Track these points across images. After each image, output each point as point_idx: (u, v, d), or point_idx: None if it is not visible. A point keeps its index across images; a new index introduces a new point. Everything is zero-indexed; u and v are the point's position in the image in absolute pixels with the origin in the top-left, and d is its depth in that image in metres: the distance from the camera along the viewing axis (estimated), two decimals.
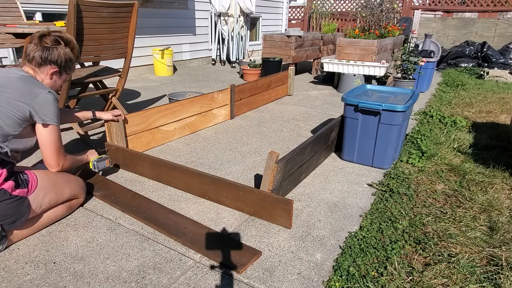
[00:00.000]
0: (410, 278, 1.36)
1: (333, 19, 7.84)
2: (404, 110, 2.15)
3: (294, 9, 11.04)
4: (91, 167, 1.94)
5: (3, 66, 2.75)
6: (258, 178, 2.16)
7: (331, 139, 2.44)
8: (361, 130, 2.33)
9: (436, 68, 6.15)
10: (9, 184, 1.41)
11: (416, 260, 1.47)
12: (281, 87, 4.18)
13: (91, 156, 1.97)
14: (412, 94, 2.51)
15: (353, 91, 2.52)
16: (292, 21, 10.91)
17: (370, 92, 2.62)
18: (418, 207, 1.87)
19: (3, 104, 1.46)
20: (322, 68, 4.82)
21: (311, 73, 6.15)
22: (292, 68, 4.30)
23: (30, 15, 3.95)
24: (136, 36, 2.81)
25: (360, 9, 6.15)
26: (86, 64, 3.10)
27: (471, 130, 3.19)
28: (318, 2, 10.05)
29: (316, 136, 2.13)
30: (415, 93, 2.50)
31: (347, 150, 2.44)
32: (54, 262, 1.39)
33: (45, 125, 1.53)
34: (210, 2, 6.28)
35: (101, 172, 2.07)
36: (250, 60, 5.87)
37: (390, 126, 2.21)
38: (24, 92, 1.49)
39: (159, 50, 5.28)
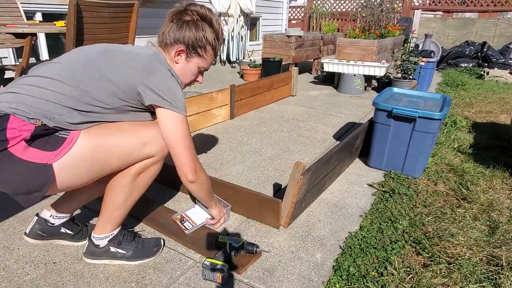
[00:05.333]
0: (410, 278, 1.36)
1: (333, 19, 7.84)
2: (442, 118, 2.04)
3: (294, 9, 11.04)
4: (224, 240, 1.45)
5: (3, 66, 2.75)
6: (257, 178, 2.16)
7: (355, 146, 2.33)
8: (393, 136, 2.21)
9: (436, 68, 6.15)
10: (20, 145, 1.05)
11: (416, 260, 1.47)
12: (284, 87, 4.17)
13: (216, 209, 1.59)
14: (443, 99, 2.36)
15: (382, 95, 2.39)
16: (292, 21, 10.91)
17: (398, 96, 2.50)
18: (418, 207, 1.87)
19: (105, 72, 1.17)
20: (322, 68, 4.82)
21: (311, 73, 6.15)
22: (295, 69, 4.30)
23: (30, 15, 3.95)
24: (136, 36, 2.81)
25: (360, 9, 6.16)
26: None
27: (471, 130, 3.19)
28: (318, 2, 10.05)
29: (342, 145, 2.01)
30: (446, 98, 2.34)
31: (376, 157, 2.32)
32: (54, 262, 1.39)
33: (165, 110, 1.22)
34: (210, 2, 6.28)
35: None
36: (250, 60, 5.87)
37: (425, 134, 2.09)
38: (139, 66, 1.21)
39: None
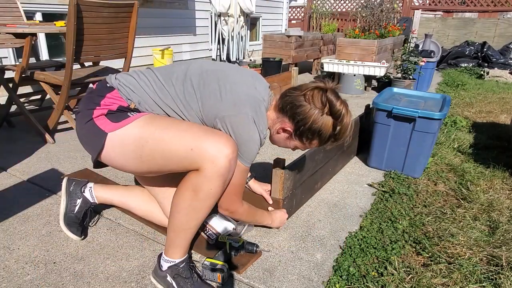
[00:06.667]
0: (410, 278, 1.36)
1: (333, 19, 7.84)
2: (441, 118, 2.04)
3: (294, 9, 11.04)
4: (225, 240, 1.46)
5: (3, 66, 2.75)
6: (257, 178, 2.16)
7: (345, 144, 2.30)
8: (392, 136, 2.22)
9: (436, 68, 6.15)
10: (101, 111, 1.18)
11: (416, 260, 1.47)
12: (284, 87, 4.18)
13: (276, 217, 1.57)
14: (443, 99, 2.36)
15: (382, 95, 2.40)
16: (292, 21, 10.90)
17: (398, 96, 2.50)
18: (418, 207, 1.87)
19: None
20: (322, 68, 4.82)
21: (311, 73, 6.15)
22: (295, 69, 4.30)
23: (30, 15, 3.95)
24: (136, 36, 2.81)
25: (360, 9, 6.16)
26: (86, 64, 3.10)
27: (471, 130, 3.19)
28: (318, 2, 10.05)
29: None
30: (446, 98, 2.35)
31: (376, 157, 2.33)
32: (54, 262, 1.39)
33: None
34: (210, 2, 6.27)
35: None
36: (250, 60, 5.87)
37: (425, 134, 2.10)
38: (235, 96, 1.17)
39: (159, 50, 5.28)
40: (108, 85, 1.24)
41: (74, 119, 2.03)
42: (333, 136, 1.25)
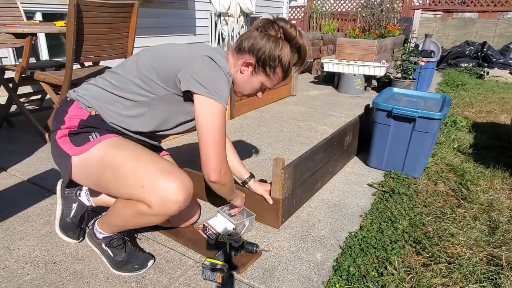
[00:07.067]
0: (410, 278, 1.36)
1: (333, 19, 7.84)
2: (441, 118, 2.04)
3: (294, 9, 11.04)
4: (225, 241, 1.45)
5: (3, 66, 2.75)
6: (257, 178, 2.16)
7: (346, 143, 2.31)
8: (392, 136, 2.21)
9: (436, 68, 6.15)
10: (62, 132, 1.21)
11: (416, 260, 1.47)
12: (284, 87, 4.18)
13: (239, 200, 1.57)
14: (443, 99, 2.36)
15: (382, 95, 2.39)
16: (292, 21, 10.90)
17: (398, 96, 2.50)
18: (418, 207, 1.87)
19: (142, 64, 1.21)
20: (322, 68, 4.82)
21: (311, 73, 6.15)
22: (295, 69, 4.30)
23: (30, 15, 3.95)
24: (136, 36, 2.81)
25: (360, 9, 6.16)
26: (86, 64, 3.10)
27: (471, 130, 3.19)
28: (318, 2, 10.05)
29: (326, 141, 1.98)
30: (446, 98, 2.34)
31: (376, 157, 2.32)
32: (54, 262, 1.39)
33: (201, 97, 1.15)
34: (210, 2, 6.27)
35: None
36: None
37: (424, 134, 2.09)
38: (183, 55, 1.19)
39: None
40: (68, 99, 1.27)
41: None
42: (294, 60, 1.28)
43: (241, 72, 1.29)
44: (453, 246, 1.55)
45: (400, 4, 8.56)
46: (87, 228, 1.50)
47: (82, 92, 1.26)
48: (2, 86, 2.68)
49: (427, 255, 1.49)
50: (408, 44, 4.64)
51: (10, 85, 2.68)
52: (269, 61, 1.24)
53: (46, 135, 2.59)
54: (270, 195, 1.63)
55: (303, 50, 1.28)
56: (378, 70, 4.44)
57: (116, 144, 1.21)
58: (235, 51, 1.29)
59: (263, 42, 1.22)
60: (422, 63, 4.42)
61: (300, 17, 11.06)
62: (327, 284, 1.32)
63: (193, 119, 1.25)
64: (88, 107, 1.23)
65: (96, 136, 1.20)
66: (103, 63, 3.06)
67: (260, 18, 1.26)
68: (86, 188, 1.52)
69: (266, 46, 1.22)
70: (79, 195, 1.50)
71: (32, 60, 3.22)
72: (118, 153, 1.19)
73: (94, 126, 1.22)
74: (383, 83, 4.69)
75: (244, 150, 2.61)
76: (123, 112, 1.24)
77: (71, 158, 1.19)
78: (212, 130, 1.17)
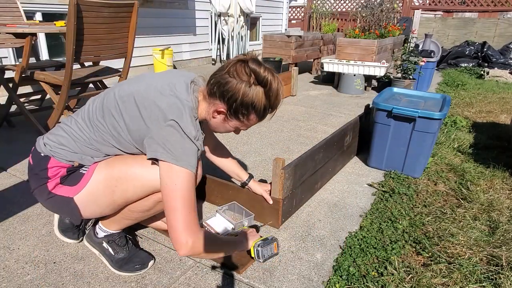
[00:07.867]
0: (410, 277, 1.36)
1: (333, 19, 7.84)
2: (441, 118, 2.04)
3: (294, 9, 11.05)
4: (252, 255, 1.40)
5: (3, 66, 2.75)
6: (257, 178, 2.16)
7: (346, 143, 2.30)
8: (392, 136, 2.21)
9: (436, 68, 6.15)
10: (54, 181, 1.21)
11: (416, 260, 1.47)
12: (283, 88, 4.18)
13: (252, 238, 1.43)
14: (443, 99, 2.35)
15: (382, 95, 2.39)
16: (292, 21, 10.91)
17: (398, 96, 2.49)
18: (418, 207, 1.87)
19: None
20: (322, 68, 4.82)
21: (311, 73, 6.15)
22: (295, 69, 4.30)
23: (30, 15, 3.95)
24: (136, 36, 2.81)
25: (360, 9, 6.16)
26: (86, 64, 3.10)
27: (471, 130, 3.19)
28: (318, 2, 10.05)
29: (326, 141, 1.98)
30: (446, 98, 2.34)
31: (376, 157, 2.32)
32: (54, 262, 1.39)
33: (165, 163, 1.09)
34: (210, 2, 6.28)
35: (266, 261, 1.43)
36: None
37: (424, 134, 2.09)
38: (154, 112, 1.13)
39: (159, 50, 5.28)
40: (42, 155, 1.21)
41: None
42: (269, 106, 1.20)
43: (213, 117, 1.22)
44: (453, 246, 1.55)
45: (400, 4, 8.56)
46: (85, 229, 1.50)
47: (55, 147, 1.20)
48: (2, 86, 2.68)
49: (427, 255, 1.49)
50: (408, 44, 4.64)
51: (10, 85, 2.68)
52: (241, 109, 1.17)
53: None
54: (270, 195, 1.63)
55: (274, 95, 1.19)
56: (378, 70, 4.44)
57: (110, 161, 1.23)
58: (207, 93, 1.20)
59: (234, 88, 1.13)
60: (422, 63, 4.42)
61: (300, 17, 11.06)
62: (327, 284, 1.32)
63: None
64: (69, 161, 1.20)
65: (87, 167, 1.22)
66: (103, 63, 3.06)
67: (232, 58, 1.20)
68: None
69: (237, 94, 1.13)
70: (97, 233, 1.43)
71: (32, 60, 3.22)
72: (119, 164, 1.21)
73: (81, 165, 1.23)
74: (383, 83, 4.69)
75: (244, 150, 2.61)
76: (104, 152, 1.24)
77: (73, 200, 1.21)
78: (183, 199, 1.09)
